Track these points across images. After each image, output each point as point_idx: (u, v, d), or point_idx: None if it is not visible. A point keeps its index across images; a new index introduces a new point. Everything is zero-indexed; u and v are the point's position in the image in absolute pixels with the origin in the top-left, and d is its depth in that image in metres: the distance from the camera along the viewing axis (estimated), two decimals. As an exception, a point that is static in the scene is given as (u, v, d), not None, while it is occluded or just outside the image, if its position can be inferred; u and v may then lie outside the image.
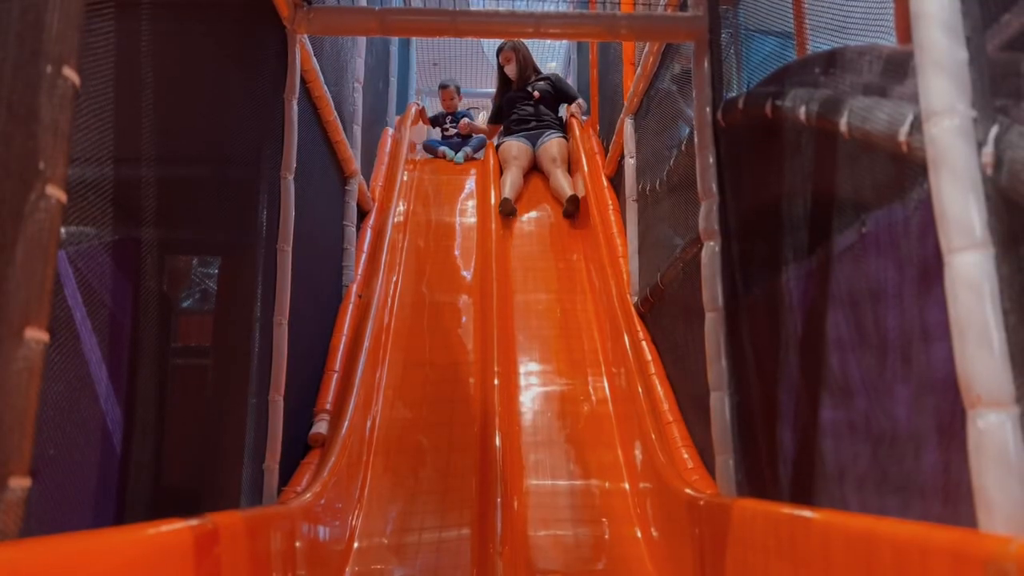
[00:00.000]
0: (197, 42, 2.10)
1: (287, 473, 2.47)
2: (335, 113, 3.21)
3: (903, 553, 1.05)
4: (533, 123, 5.40)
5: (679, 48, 2.92)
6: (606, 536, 2.81)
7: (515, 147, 5.21)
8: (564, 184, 4.87)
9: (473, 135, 5.82)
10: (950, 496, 1.21)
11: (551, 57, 9.17)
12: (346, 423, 2.88)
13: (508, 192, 4.79)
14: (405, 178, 5.05)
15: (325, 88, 3.01)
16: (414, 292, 4.28)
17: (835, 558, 1.23)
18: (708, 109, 2.35)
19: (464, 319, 4.14)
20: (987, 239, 1.06)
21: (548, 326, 3.99)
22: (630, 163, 3.74)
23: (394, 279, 4.25)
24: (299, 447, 2.73)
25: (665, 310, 3.10)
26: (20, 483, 0.99)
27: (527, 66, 5.65)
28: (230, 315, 2.34)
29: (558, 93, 5.64)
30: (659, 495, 2.43)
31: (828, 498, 1.61)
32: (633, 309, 3.52)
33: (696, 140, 2.38)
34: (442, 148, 5.70)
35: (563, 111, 5.80)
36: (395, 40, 5.71)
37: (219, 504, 2.05)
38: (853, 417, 1.50)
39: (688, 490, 2.22)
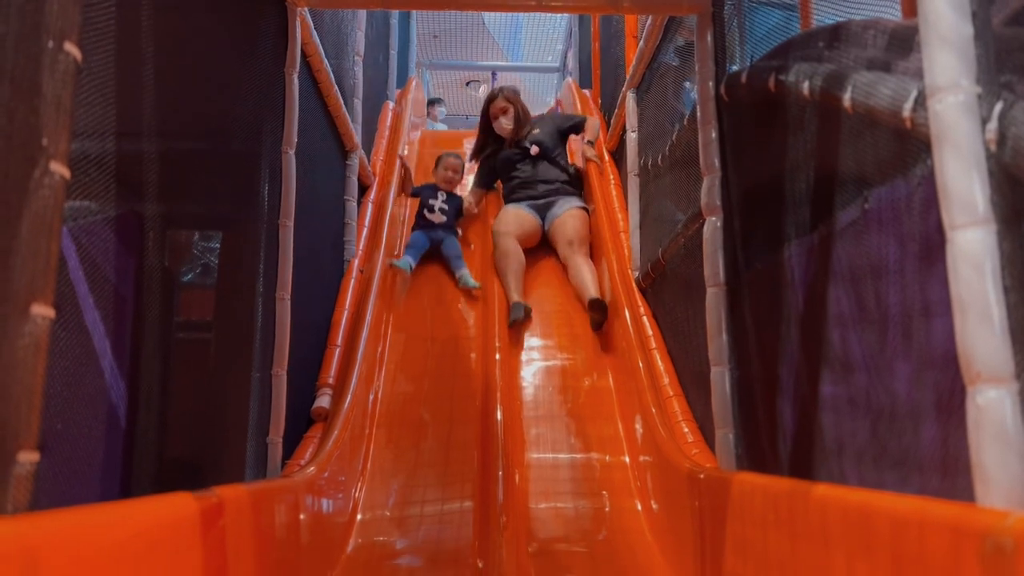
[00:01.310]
0: (198, 16, 2.09)
1: (290, 447, 2.49)
2: (336, 87, 3.19)
3: (901, 527, 1.06)
4: (540, 187, 4.15)
5: (682, 21, 2.90)
6: (606, 508, 2.84)
7: (518, 218, 4.05)
8: (587, 280, 3.70)
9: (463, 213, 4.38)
10: (948, 472, 1.22)
11: (552, 30, 9.09)
12: (348, 397, 2.89)
13: (516, 292, 3.75)
14: (406, 151, 5.03)
15: (325, 62, 2.99)
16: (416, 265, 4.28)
17: (833, 532, 1.24)
18: (711, 83, 2.34)
19: (465, 293, 4.15)
20: (989, 215, 1.06)
21: (549, 300, 4.00)
22: (632, 137, 3.73)
23: (396, 253, 4.25)
24: (302, 421, 2.75)
25: (666, 285, 3.10)
26: (29, 457, 1.00)
27: (524, 120, 4.35)
28: (232, 290, 2.35)
29: (560, 130, 4.38)
30: (659, 468, 2.45)
31: (827, 473, 1.63)
32: (634, 284, 3.52)
33: (699, 114, 2.37)
34: (407, 258, 3.97)
35: (579, 152, 4.57)
36: (395, 12, 5.66)
37: (224, 478, 2.07)
38: (853, 392, 1.51)
39: (688, 464, 2.24)
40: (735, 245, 2.20)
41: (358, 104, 3.87)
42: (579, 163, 4.41)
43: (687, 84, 2.86)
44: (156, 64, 1.83)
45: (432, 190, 4.20)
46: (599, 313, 3.53)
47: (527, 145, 4.22)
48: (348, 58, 3.73)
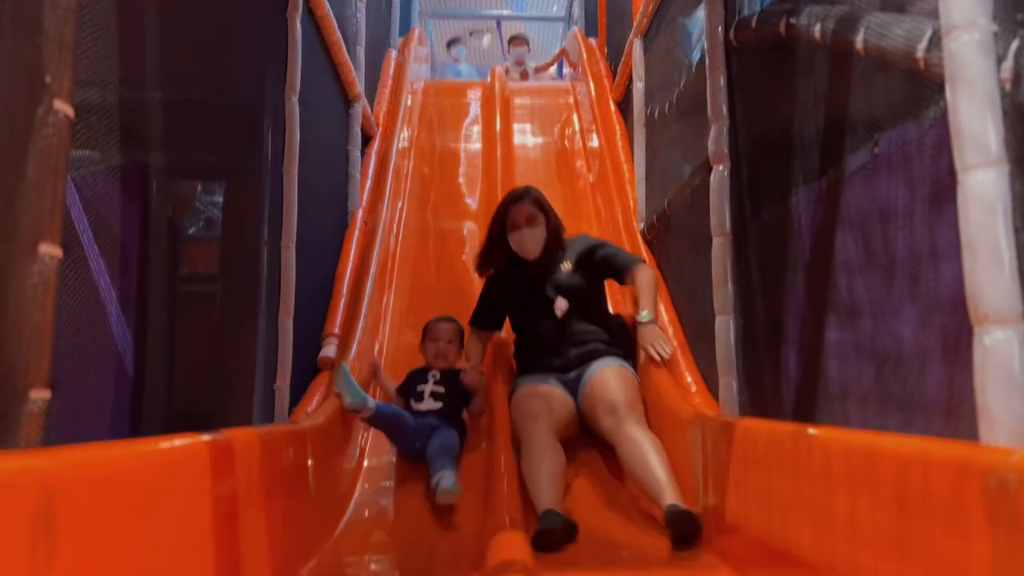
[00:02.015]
0: (198, -42, 2.05)
1: (297, 395, 2.51)
2: (338, 33, 3.15)
3: (904, 466, 1.07)
4: (570, 351, 2.75)
5: (691, -34, 2.84)
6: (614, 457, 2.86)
7: (547, 399, 2.63)
8: (656, 470, 2.27)
9: (471, 392, 2.83)
10: (952, 415, 1.23)
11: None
12: (354, 347, 2.91)
13: (549, 496, 2.27)
14: (409, 102, 4.98)
15: (328, 7, 2.95)
16: (419, 219, 4.27)
17: (836, 473, 1.25)
18: (720, 28, 2.30)
19: (469, 246, 4.14)
20: (1002, 156, 1.05)
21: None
22: (639, 87, 3.68)
23: (399, 205, 4.23)
24: (309, 370, 2.77)
25: (672, 236, 3.09)
26: (40, 395, 1.01)
27: (556, 241, 2.89)
28: (238, 238, 2.35)
29: (598, 269, 2.88)
30: (663, 416, 2.47)
31: (830, 418, 1.64)
32: (640, 236, 3.51)
33: (707, 61, 2.34)
34: (363, 394, 2.51)
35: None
36: (398, -41, 5.56)
37: (232, 424, 2.09)
38: (858, 338, 1.52)
39: (691, 412, 2.26)
40: (742, 194, 2.19)
41: (360, 51, 3.81)
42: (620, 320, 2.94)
43: (695, 30, 2.81)
44: (157, 9, 1.81)
45: (421, 374, 2.83)
46: (687, 525, 2.04)
47: (550, 294, 2.78)
48: (350, 4, 3.67)
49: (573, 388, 2.68)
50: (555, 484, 2.30)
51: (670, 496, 2.15)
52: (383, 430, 2.67)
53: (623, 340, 2.83)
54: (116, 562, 1.01)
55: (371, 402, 2.46)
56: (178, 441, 1.26)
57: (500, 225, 2.89)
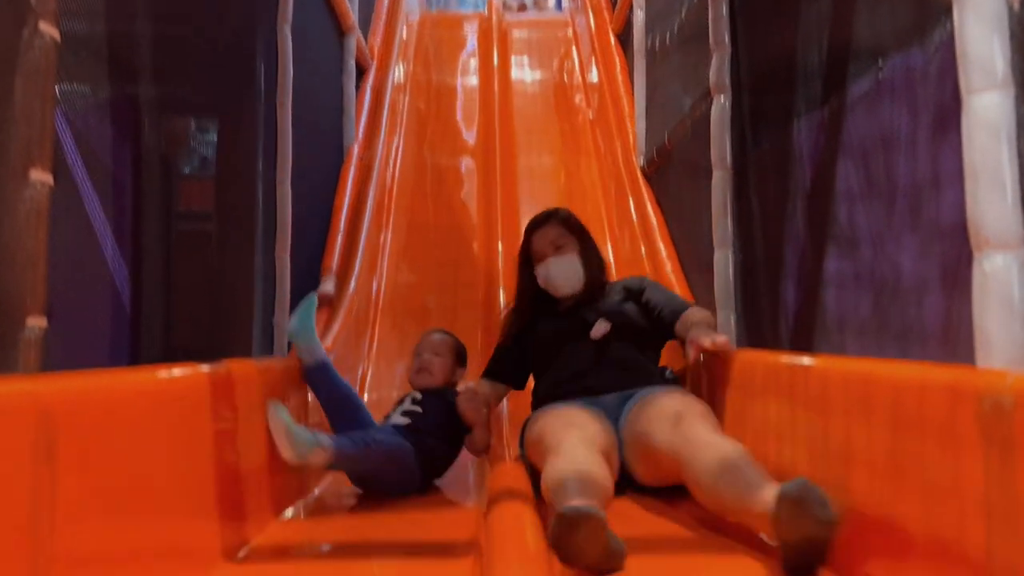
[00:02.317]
0: None
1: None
2: (331, -40, 3.07)
3: (901, 391, 1.08)
4: (608, 371, 2.07)
5: None
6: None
7: (574, 414, 1.91)
8: (752, 475, 1.42)
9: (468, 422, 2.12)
10: (949, 342, 1.23)
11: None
12: (352, 284, 2.91)
13: (577, 491, 1.46)
14: (404, 35, 4.89)
15: (319, -67, 2.87)
16: (416, 155, 4.23)
17: (834, 399, 1.26)
18: (723, -46, 2.24)
19: (467, 183, 4.12)
20: (1008, 79, 1.03)
21: (552, 190, 3.97)
22: (639, 16, 3.60)
23: (395, 142, 4.19)
24: (307, 306, 2.77)
25: (671, 171, 3.07)
26: (36, 322, 1.01)
27: (595, 272, 2.24)
28: (232, 173, 2.32)
29: (646, 317, 2.17)
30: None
31: (828, 349, 1.64)
32: (639, 172, 3.48)
33: (709, -12, 2.28)
34: (312, 437, 1.78)
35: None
36: None
37: (231, 356, 2.10)
38: (858, 268, 1.51)
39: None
40: (743, 125, 2.16)
41: (354, -19, 3.72)
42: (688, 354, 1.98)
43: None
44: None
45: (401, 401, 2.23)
46: (816, 549, 1.21)
47: (588, 317, 2.13)
48: (343, -68, 3.56)
49: (615, 412, 1.93)
50: (592, 488, 1.46)
51: (768, 493, 1.28)
52: (362, 473, 1.99)
53: (673, 383, 2.09)
54: (116, 488, 1.02)
55: (325, 442, 1.77)
56: (178, 371, 1.27)
57: (526, 260, 2.23)
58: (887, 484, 1.09)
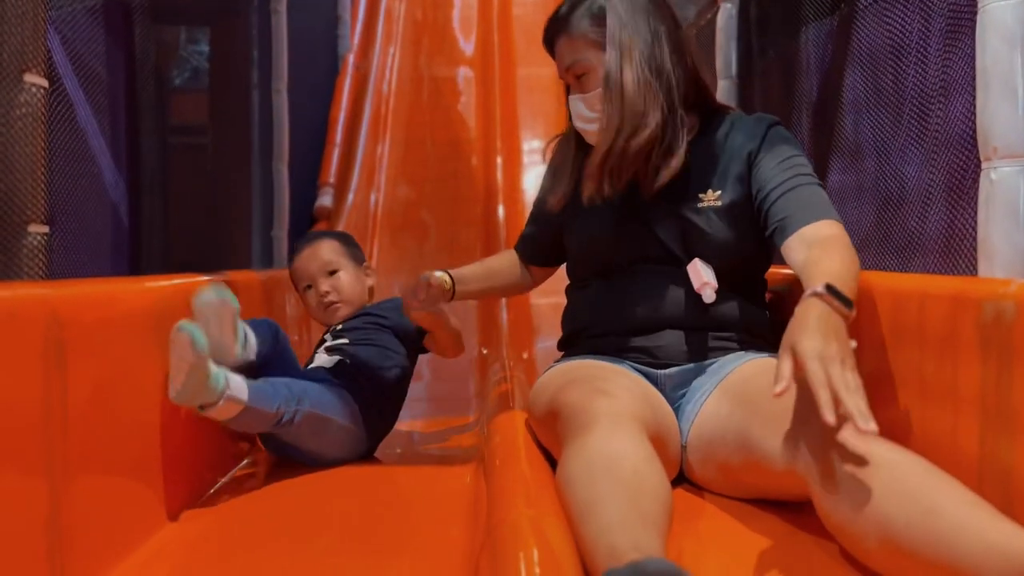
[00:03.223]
0: None
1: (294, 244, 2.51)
2: None
3: (901, 300, 1.09)
4: (677, 313, 1.30)
5: None
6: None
7: (620, 376, 1.23)
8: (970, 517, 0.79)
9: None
10: (951, 253, 1.23)
11: None
12: (350, 198, 2.89)
13: (645, 536, 0.86)
14: (400, -60, 4.71)
15: None
16: (413, 66, 4.13)
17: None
18: None
19: (464, 94, 4.03)
20: (1026, -17, 1.01)
21: (552, 101, 3.89)
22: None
23: (391, 51, 4.09)
24: (305, 220, 2.76)
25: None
26: (38, 229, 1.00)
27: (637, 115, 1.26)
28: (227, 82, 2.27)
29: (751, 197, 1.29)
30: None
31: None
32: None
33: None
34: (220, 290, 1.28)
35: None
36: None
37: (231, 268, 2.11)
38: (862, 180, 1.50)
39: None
40: (750, 33, 2.11)
41: None
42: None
43: None
44: None
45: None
46: None
47: (668, 241, 1.32)
48: None
49: (676, 401, 1.29)
50: (654, 520, 0.91)
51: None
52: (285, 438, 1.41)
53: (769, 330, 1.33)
54: (126, 390, 1.04)
55: (234, 382, 1.23)
56: (180, 280, 1.27)
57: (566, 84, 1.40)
58: (884, 390, 1.10)
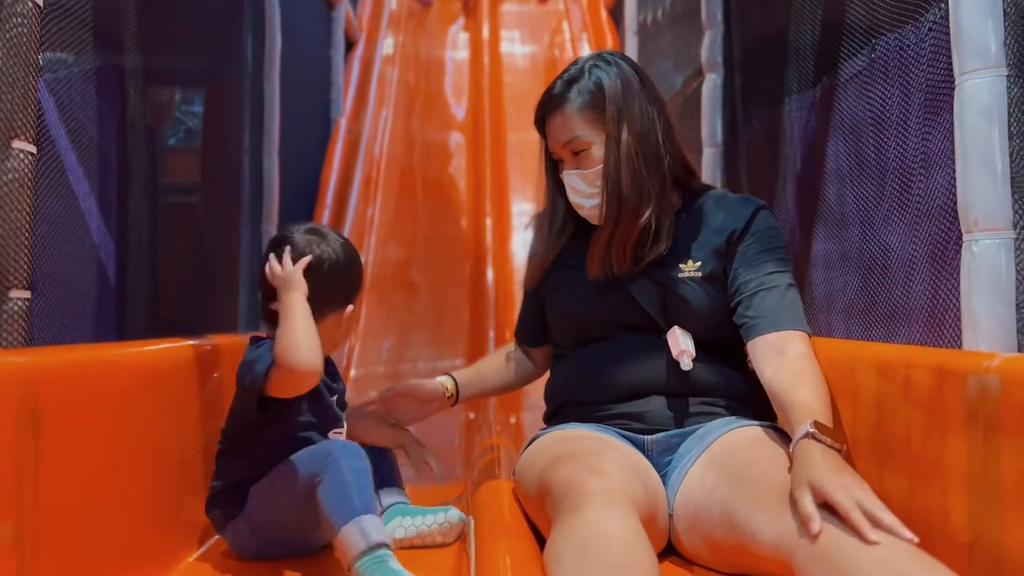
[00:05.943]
0: None
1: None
2: (319, -69, 3.02)
3: (887, 373, 1.08)
4: (660, 379, 1.31)
5: None
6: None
7: (609, 449, 1.20)
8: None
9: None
10: (935, 324, 1.23)
11: None
12: (339, 258, 2.88)
13: None
14: (394, 6, 4.83)
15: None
16: (404, 129, 4.20)
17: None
18: (716, -70, 2.22)
19: (456, 157, 4.09)
20: (1001, 60, 1.03)
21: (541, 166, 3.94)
22: (631, -7, 3.57)
23: (384, 115, 4.15)
24: (294, 280, 2.75)
25: (661, 148, 3.05)
26: (20, 295, 0.99)
27: (639, 192, 1.32)
28: (218, 145, 2.29)
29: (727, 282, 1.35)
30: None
31: (815, 330, 1.65)
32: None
33: (702, -36, 2.26)
34: None
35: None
36: None
37: (218, 331, 2.09)
38: (846, 248, 1.51)
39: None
40: (735, 103, 2.15)
41: (343, -48, 3.67)
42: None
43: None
44: None
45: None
46: None
47: (655, 313, 1.34)
48: (332, -99, 3.51)
49: (662, 461, 1.28)
50: None
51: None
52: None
53: (757, 401, 1.33)
54: (102, 461, 1.02)
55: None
56: (164, 345, 1.26)
57: (548, 158, 1.45)
58: (872, 463, 1.09)
